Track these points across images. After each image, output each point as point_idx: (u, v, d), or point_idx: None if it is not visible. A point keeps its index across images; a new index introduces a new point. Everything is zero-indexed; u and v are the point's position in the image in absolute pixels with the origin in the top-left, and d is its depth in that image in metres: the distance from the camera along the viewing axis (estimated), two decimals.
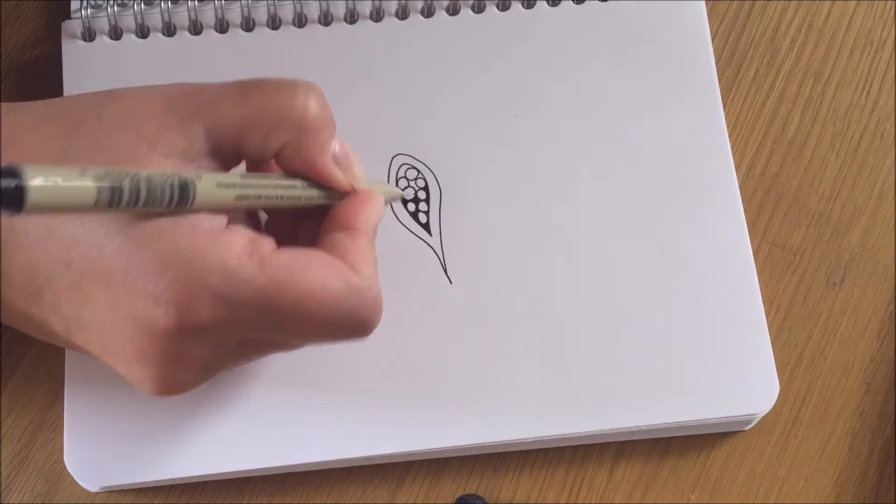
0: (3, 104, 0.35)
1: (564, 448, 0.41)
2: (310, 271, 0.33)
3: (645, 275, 0.41)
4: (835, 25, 0.47)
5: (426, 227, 0.42)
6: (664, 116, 0.43)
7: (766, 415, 0.41)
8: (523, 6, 0.45)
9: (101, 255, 0.32)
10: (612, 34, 0.45)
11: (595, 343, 0.41)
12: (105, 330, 0.33)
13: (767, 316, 0.42)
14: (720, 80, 0.45)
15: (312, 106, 0.34)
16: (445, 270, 0.42)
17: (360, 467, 0.41)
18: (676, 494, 0.41)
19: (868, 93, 0.46)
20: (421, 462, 0.41)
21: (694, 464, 0.41)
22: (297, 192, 0.35)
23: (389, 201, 0.41)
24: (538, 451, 0.41)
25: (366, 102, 0.43)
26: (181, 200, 0.31)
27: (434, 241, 0.42)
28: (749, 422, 0.41)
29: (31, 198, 0.27)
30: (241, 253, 0.32)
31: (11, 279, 0.34)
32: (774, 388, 0.40)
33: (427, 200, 0.43)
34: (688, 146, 0.43)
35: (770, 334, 0.41)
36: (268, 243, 0.33)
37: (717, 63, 0.45)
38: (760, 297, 0.41)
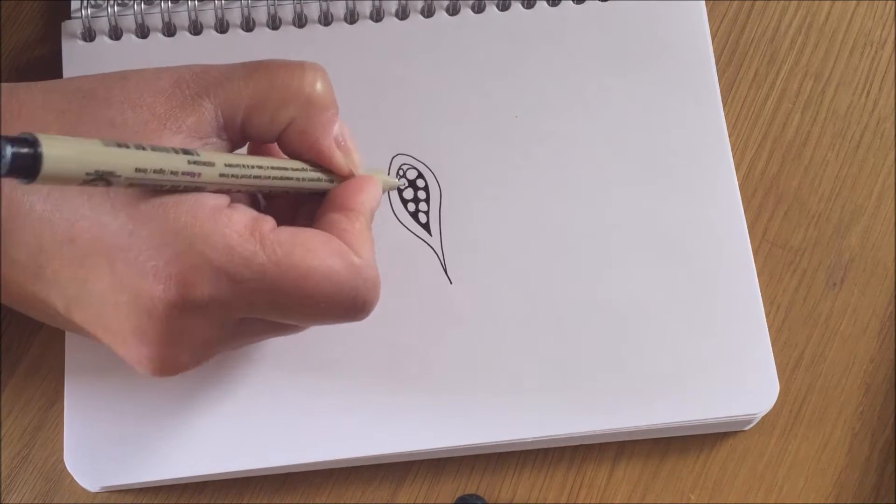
0: (11, 83, 0.35)
1: (564, 448, 0.41)
2: (310, 249, 0.33)
3: (645, 274, 0.41)
4: (835, 25, 0.47)
5: (426, 227, 0.42)
6: (664, 116, 0.43)
7: (766, 415, 0.41)
8: (523, 6, 0.45)
9: (104, 232, 0.32)
10: (613, 34, 0.45)
11: (595, 343, 0.41)
12: (105, 308, 0.33)
13: (767, 316, 0.42)
14: (720, 80, 0.45)
15: (319, 84, 0.35)
16: (445, 270, 0.42)
17: (360, 467, 0.41)
18: (676, 494, 0.41)
19: (868, 93, 0.46)
20: (421, 462, 0.41)
21: (694, 464, 0.41)
22: (298, 173, 0.36)
23: (387, 190, 0.41)
24: (538, 451, 0.41)
25: (366, 102, 0.43)
26: (186, 152, 0.32)
27: (434, 241, 0.42)
28: (749, 422, 0.41)
29: (46, 164, 0.27)
30: (242, 230, 0.33)
31: (15, 257, 0.34)
32: (774, 388, 0.40)
33: (427, 200, 0.43)
34: (688, 146, 0.43)
35: (770, 334, 0.41)
36: (269, 222, 0.34)
37: (717, 63, 0.45)
38: (760, 297, 0.41)
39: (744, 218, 0.42)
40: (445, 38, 0.45)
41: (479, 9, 0.45)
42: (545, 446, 0.41)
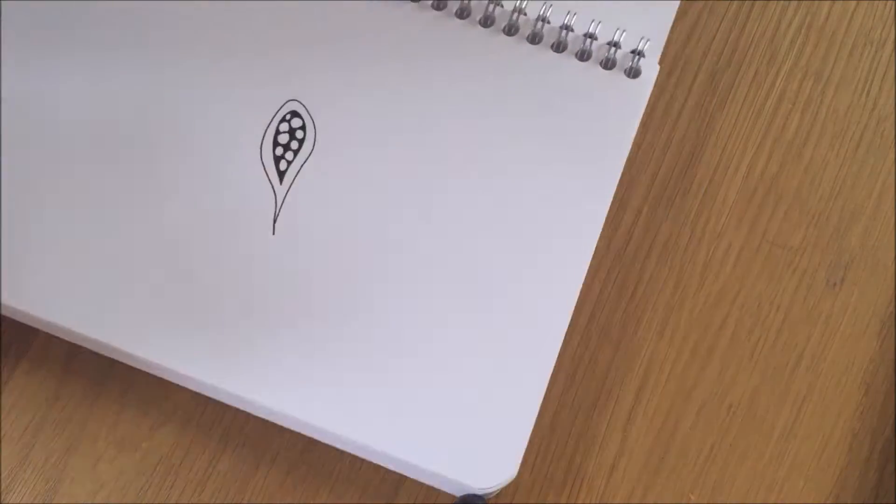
0: None
1: (565, 447, 0.41)
2: None
3: (457, 304, 0.41)
4: (835, 25, 0.47)
5: (281, 174, 0.42)
6: (557, 175, 0.42)
7: (765, 415, 0.41)
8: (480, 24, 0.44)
9: None
10: (551, 81, 0.44)
11: (391, 351, 0.40)
12: None
13: (768, 316, 0.42)
14: (720, 80, 0.45)
15: None
16: (275, 220, 0.41)
17: (360, 467, 0.41)
18: (676, 494, 0.41)
19: (868, 93, 0.46)
20: None
21: (694, 464, 0.42)
22: None
23: None
24: (538, 450, 0.41)
25: (277, 40, 0.43)
26: None
27: (280, 190, 0.42)
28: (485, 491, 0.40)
29: None
30: None
31: None
32: (509, 470, 0.39)
33: (296, 152, 0.42)
34: (560, 212, 0.42)
35: (771, 334, 0.41)
36: None
37: (717, 63, 0.45)
38: (551, 369, 0.40)
39: (577, 293, 0.41)
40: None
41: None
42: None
